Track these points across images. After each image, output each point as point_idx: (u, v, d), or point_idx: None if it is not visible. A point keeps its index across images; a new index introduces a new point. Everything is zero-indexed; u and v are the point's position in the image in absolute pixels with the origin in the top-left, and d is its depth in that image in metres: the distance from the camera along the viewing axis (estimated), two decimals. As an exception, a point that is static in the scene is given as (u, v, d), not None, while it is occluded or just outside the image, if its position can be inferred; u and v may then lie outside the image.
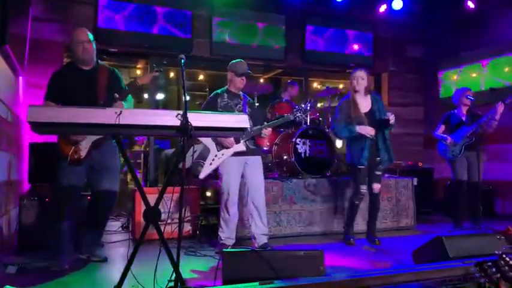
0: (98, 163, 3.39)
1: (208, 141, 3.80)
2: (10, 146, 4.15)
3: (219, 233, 3.94)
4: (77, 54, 3.37)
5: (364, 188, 4.20)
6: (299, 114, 4.39)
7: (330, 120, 4.33)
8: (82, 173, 3.35)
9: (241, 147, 3.85)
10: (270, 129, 4.07)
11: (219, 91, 4.09)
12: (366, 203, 4.40)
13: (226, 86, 4.10)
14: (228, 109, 3.93)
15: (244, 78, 4.00)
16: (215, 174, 4.03)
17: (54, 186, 3.45)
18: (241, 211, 4.11)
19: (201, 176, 3.80)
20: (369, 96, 4.29)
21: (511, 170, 6.24)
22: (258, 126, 3.99)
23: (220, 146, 3.80)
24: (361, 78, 4.22)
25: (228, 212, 3.88)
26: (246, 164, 3.94)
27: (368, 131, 4.09)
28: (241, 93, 4.10)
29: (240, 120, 2.53)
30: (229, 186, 3.86)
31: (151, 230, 2.42)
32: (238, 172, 3.92)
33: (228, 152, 3.81)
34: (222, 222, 3.94)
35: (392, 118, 4.07)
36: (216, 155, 3.80)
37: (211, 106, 3.95)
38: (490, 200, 6.11)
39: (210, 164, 3.79)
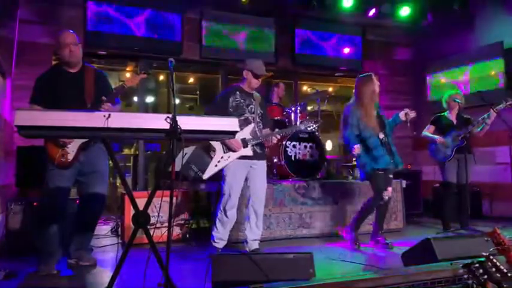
0: (87, 166, 3.36)
1: (215, 142, 3.71)
2: (-3, 150, 4.10)
3: (212, 232, 3.84)
4: (64, 57, 3.33)
5: (386, 194, 4.12)
6: (310, 124, 4.23)
7: (341, 127, 4.18)
8: (70, 176, 3.31)
9: (248, 151, 3.75)
10: (279, 136, 3.97)
11: (231, 89, 3.91)
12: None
13: (240, 84, 3.91)
14: (239, 109, 3.79)
15: (260, 79, 3.85)
16: (216, 176, 3.88)
17: (42, 189, 3.41)
18: (239, 215, 4.01)
19: (205, 176, 3.72)
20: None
21: (498, 172, 6.33)
22: (268, 132, 3.89)
23: (227, 148, 3.71)
24: (379, 86, 4.21)
25: (226, 214, 3.77)
26: (252, 168, 3.82)
27: (356, 149, 4.06)
28: (254, 92, 3.94)
29: (229, 123, 2.53)
30: (232, 189, 3.74)
31: (141, 233, 2.41)
32: (242, 175, 3.81)
33: (234, 155, 3.71)
34: (218, 223, 3.82)
35: (403, 114, 4.06)
36: (222, 157, 3.70)
37: (222, 105, 3.78)
38: (478, 201, 6.18)
39: (216, 165, 3.70)
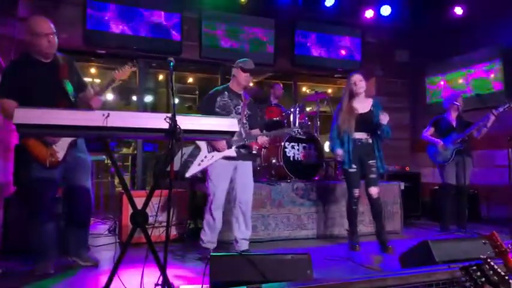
0: (71, 161, 3.25)
1: (200, 142, 3.73)
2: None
3: (201, 235, 3.84)
4: (41, 48, 3.11)
5: (356, 192, 4.18)
6: (296, 130, 4.20)
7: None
8: (58, 174, 3.22)
9: (231, 152, 3.76)
10: (266, 138, 3.95)
11: (219, 88, 3.93)
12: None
13: (229, 84, 3.94)
14: (226, 109, 3.80)
15: (248, 75, 3.86)
16: (204, 177, 3.96)
17: (29, 190, 3.26)
18: (228, 214, 4.01)
19: (188, 174, 3.74)
20: (370, 100, 4.26)
21: (496, 175, 6.34)
22: (252, 135, 3.88)
23: (212, 148, 3.72)
24: (359, 81, 4.18)
25: (212, 215, 3.76)
26: (236, 169, 3.83)
27: (338, 154, 4.17)
28: (242, 92, 3.95)
29: (229, 124, 2.53)
30: (217, 188, 3.76)
31: (139, 233, 2.41)
32: (227, 175, 3.81)
33: (218, 155, 3.73)
34: (205, 226, 3.82)
35: (384, 118, 4.00)
36: (205, 156, 3.72)
37: (209, 104, 3.81)
38: (476, 204, 6.18)
39: (199, 164, 3.71)
